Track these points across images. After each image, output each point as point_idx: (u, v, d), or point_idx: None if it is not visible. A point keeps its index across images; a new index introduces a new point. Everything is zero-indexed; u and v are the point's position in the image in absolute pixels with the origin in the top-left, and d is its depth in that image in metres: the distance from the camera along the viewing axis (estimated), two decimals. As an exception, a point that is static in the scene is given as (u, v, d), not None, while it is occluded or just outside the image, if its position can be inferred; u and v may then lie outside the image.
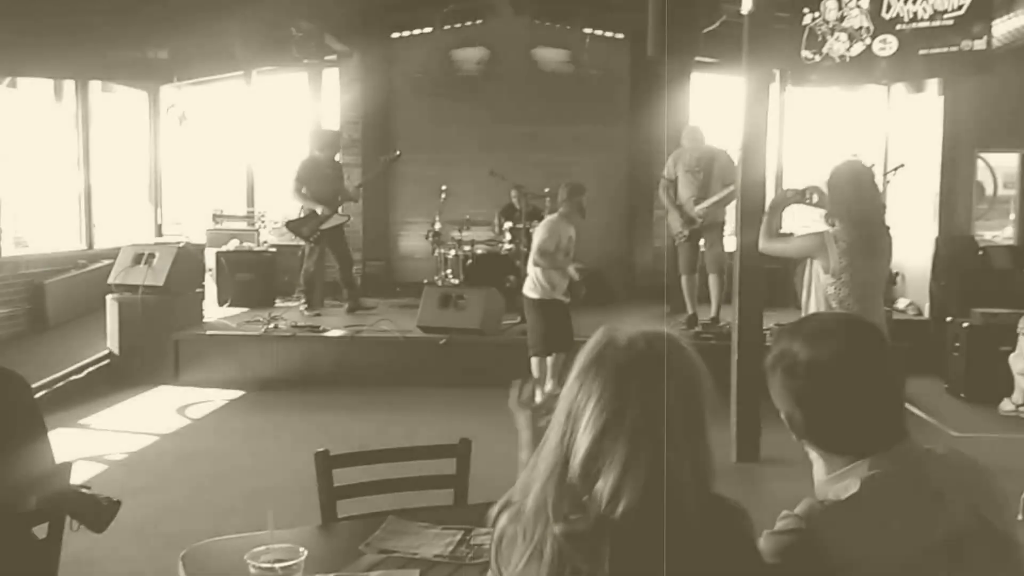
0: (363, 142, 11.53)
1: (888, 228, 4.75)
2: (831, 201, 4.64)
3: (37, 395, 3.80)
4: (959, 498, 1.71)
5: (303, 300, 9.61)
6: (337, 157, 9.87)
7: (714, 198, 8.49)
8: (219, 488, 5.61)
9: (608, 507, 1.46)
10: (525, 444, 2.14)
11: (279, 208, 11.22)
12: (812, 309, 4.65)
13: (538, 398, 2.18)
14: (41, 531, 2.72)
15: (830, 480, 1.77)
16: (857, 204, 4.54)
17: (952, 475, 1.75)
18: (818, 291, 4.61)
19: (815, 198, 4.73)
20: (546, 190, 9.49)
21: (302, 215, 9.41)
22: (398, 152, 9.69)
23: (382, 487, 2.96)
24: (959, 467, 1.79)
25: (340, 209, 9.48)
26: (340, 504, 2.89)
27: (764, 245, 5.05)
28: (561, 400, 1.58)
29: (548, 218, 7.35)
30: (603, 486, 1.47)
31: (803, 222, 5.94)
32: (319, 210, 9.28)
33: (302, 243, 9.56)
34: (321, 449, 2.90)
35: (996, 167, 10.58)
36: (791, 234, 5.28)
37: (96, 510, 2.70)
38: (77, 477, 2.85)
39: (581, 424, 1.51)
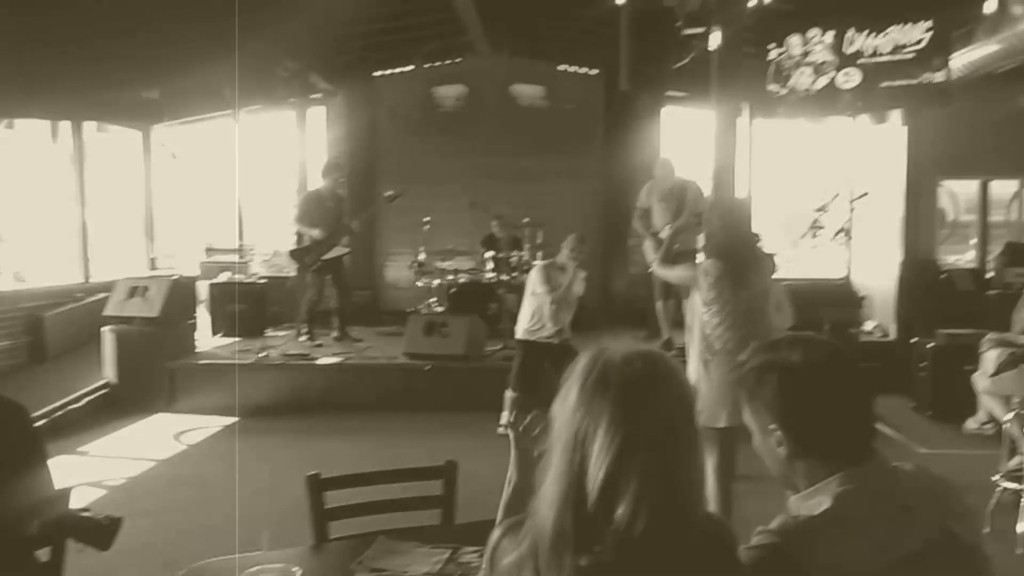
0: (349, 177, 11.32)
1: (762, 260, 4.71)
2: (704, 235, 4.72)
3: (38, 424, 3.81)
4: (927, 512, 1.74)
5: (305, 330, 9.58)
6: (339, 190, 9.81)
7: (679, 222, 8.56)
8: (215, 510, 5.63)
9: (627, 531, 1.42)
10: (511, 463, 2.17)
11: (268, 241, 11.37)
12: (693, 335, 4.68)
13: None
14: (43, 554, 2.80)
15: (803, 497, 1.79)
16: (725, 237, 4.55)
17: (920, 490, 1.78)
18: (695, 319, 4.65)
19: None
20: (525, 220, 9.68)
21: (306, 244, 9.42)
22: (399, 192, 9.68)
23: (372, 508, 3.00)
24: (927, 482, 1.81)
25: (343, 240, 9.49)
26: (331, 525, 2.93)
27: (657, 268, 5.23)
28: (562, 425, 1.51)
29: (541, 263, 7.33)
30: (624, 511, 1.43)
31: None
32: (316, 233, 9.26)
33: (290, 275, 9.63)
34: (312, 472, 2.95)
35: (957, 194, 10.73)
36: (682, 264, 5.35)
37: (99, 530, 2.70)
38: (78, 502, 2.85)
39: (594, 449, 1.45)
